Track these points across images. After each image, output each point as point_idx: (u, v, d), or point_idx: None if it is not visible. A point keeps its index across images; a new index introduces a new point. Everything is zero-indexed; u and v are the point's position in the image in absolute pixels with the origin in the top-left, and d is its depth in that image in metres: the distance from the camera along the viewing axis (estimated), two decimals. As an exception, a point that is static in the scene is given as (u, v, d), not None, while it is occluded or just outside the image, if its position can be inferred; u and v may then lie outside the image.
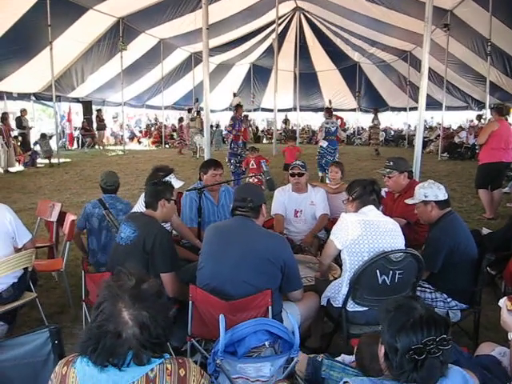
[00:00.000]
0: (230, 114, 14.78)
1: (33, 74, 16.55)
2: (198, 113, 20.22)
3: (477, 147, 16.22)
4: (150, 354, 1.70)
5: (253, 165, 11.28)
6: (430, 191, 3.90)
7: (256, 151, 11.65)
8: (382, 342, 1.91)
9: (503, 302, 2.55)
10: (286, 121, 30.99)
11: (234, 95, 14.87)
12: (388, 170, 4.92)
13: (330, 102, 22.63)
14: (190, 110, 21.78)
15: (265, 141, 29.41)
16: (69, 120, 23.10)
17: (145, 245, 3.40)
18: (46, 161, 16.80)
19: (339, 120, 17.74)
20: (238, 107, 12.39)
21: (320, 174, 12.61)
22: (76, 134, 23.47)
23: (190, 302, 3.08)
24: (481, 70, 17.01)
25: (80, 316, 4.15)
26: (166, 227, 3.98)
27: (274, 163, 13.67)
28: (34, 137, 18.89)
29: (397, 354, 1.79)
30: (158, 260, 3.41)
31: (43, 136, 17.74)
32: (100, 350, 1.63)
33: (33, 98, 18.68)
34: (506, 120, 8.95)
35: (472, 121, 23.03)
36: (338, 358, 2.74)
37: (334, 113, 14.91)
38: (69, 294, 4.77)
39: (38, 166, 16.23)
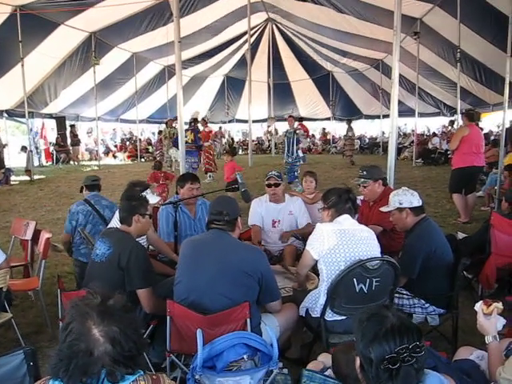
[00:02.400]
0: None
1: (4, 90, 16.40)
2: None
3: (449, 152, 16.46)
4: (124, 371, 1.67)
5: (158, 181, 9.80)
6: (405, 198, 3.94)
7: (158, 166, 10.18)
8: (357, 354, 1.90)
9: (479, 306, 2.59)
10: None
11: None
12: (362, 179, 4.94)
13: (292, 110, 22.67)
14: (167, 123, 21.54)
15: (241, 152, 29.35)
16: (42, 136, 22.79)
17: (120, 261, 3.37)
18: (23, 178, 16.55)
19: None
20: (195, 121, 12.00)
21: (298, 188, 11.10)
22: (51, 149, 23.19)
23: (168, 317, 3.05)
24: (451, 77, 17.28)
25: (57, 335, 4.08)
26: (142, 242, 3.95)
27: (249, 174, 13.66)
28: (7, 154, 18.62)
29: (371, 364, 1.78)
30: (134, 276, 3.37)
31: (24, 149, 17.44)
32: (72, 370, 1.60)
33: (5, 114, 18.43)
34: (477, 125, 9.10)
35: (445, 126, 23.33)
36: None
37: (304, 122, 14.79)
38: (45, 313, 4.67)
39: (12, 183, 15.95)
